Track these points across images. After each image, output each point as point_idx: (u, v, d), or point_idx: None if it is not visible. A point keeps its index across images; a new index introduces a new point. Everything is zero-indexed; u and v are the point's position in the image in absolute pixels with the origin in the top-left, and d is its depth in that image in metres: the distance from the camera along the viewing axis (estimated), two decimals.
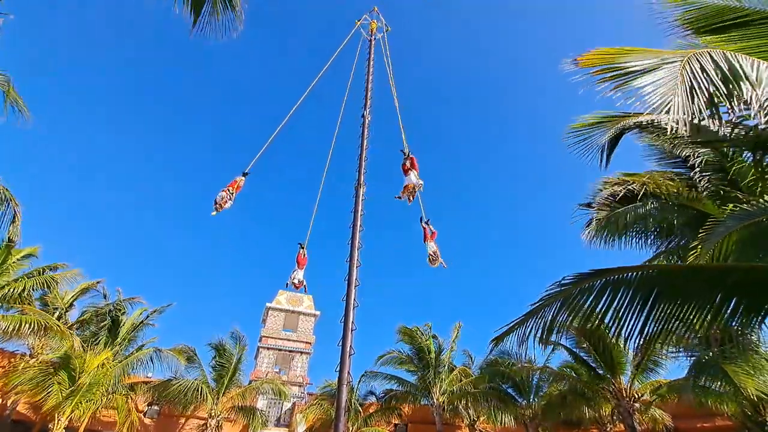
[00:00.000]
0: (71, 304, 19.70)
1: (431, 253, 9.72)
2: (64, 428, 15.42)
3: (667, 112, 2.73)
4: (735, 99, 2.92)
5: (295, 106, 11.96)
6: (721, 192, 6.73)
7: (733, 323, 3.35)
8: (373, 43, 13.15)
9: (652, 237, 8.53)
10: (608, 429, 19.15)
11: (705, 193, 7.00)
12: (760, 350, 13.89)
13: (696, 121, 2.80)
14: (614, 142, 6.26)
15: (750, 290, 3.36)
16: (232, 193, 9.78)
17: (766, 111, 2.98)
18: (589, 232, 9.01)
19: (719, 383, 13.96)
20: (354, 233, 8.48)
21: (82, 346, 16.68)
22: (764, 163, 6.07)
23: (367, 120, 10.84)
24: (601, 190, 8.54)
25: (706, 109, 2.85)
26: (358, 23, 13.75)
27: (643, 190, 7.44)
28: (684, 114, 2.71)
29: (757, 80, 2.90)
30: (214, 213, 9.54)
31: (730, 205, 5.80)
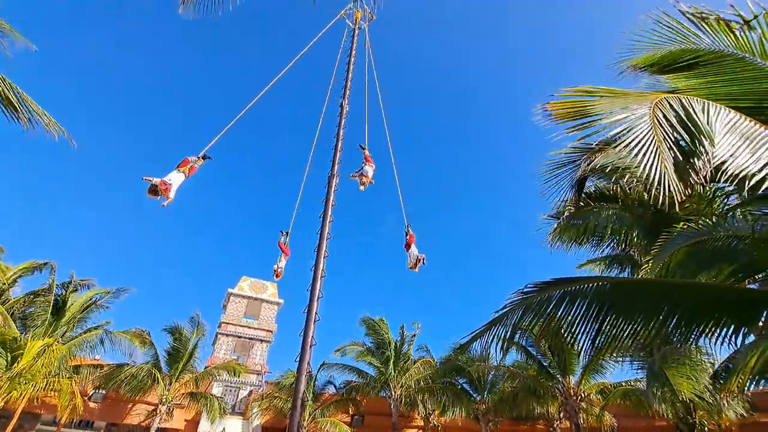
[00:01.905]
0: (14, 281, 18.36)
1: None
2: (0, 410, 14.49)
3: (647, 175, 2.79)
4: (701, 153, 3.06)
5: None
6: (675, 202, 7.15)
7: (676, 337, 3.57)
8: (357, 32, 12.92)
9: (606, 243, 8.99)
10: (555, 425, 20.10)
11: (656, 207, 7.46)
12: (695, 358, 14.96)
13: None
14: (583, 180, 6.77)
15: (691, 306, 3.58)
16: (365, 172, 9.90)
17: (715, 165, 3.12)
18: (552, 238, 9.37)
19: (661, 386, 14.96)
20: (324, 224, 8.35)
21: (24, 324, 15.63)
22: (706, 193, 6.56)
23: (344, 110, 10.66)
24: (566, 209, 8.89)
25: (682, 162, 2.97)
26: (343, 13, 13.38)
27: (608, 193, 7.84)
28: (670, 171, 2.78)
29: (712, 131, 3.06)
30: (362, 188, 10.01)
31: (681, 223, 6.16)
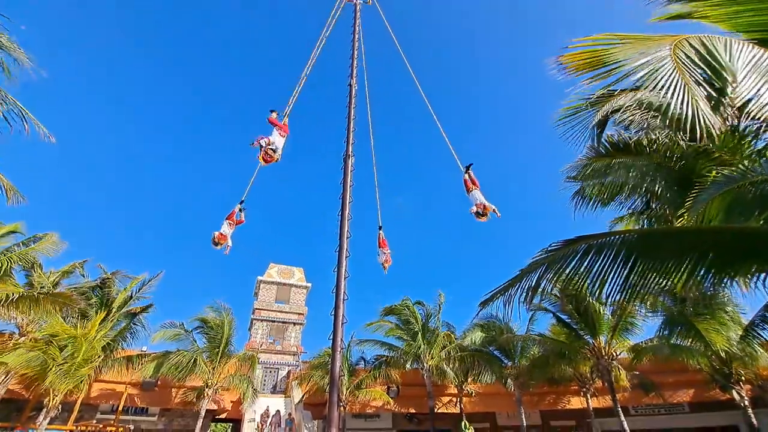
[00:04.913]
0: (57, 283, 19.48)
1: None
2: (60, 403, 15.57)
3: (685, 111, 2.75)
4: (728, 88, 3.01)
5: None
6: (700, 150, 6.86)
7: (707, 282, 3.53)
8: (358, 7, 12.64)
9: (632, 199, 8.68)
10: (588, 386, 20.28)
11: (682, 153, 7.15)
12: (727, 309, 14.75)
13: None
14: (603, 123, 6.44)
15: (724, 250, 3.53)
16: None
17: (743, 101, 3.05)
18: (574, 194, 9.13)
19: (691, 340, 14.87)
20: (343, 205, 8.44)
21: (74, 323, 16.65)
22: (739, 131, 6.22)
23: (353, 89, 10.57)
24: (587, 165, 8.64)
25: (709, 100, 2.92)
26: None
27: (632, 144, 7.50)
28: (692, 107, 2.76)
29: (735, 68, 2.98)
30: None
31: (713, 172, 5.96)
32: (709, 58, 3.02)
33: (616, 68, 3.14)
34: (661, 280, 3.26)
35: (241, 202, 9.70)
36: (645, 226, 8.68)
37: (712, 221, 5.13)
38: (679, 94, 2.85)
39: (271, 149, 8.45)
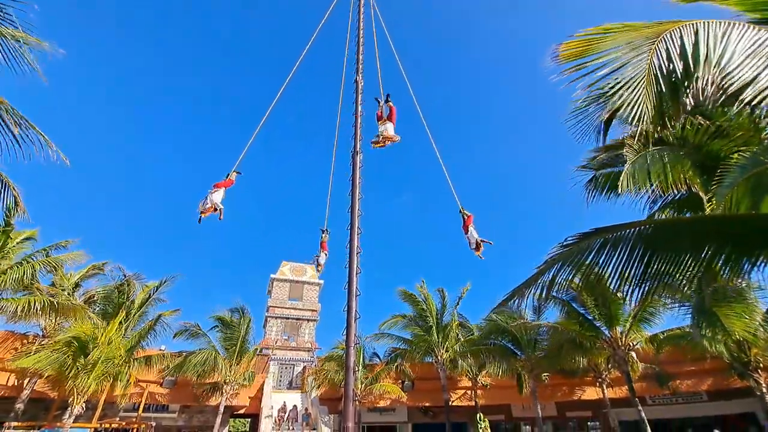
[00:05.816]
0: (78, 284, 19.97)
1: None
2: (84, 401, 16.01)
3: (633, 111, 2.82)
4: (694, 82, 3.00)
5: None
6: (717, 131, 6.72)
7: (727, 270, 3.47)
8: (362, 2, 12.56)
9: (652, 190, 8.52)
10: (604, 376, 20.12)
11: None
12: (748, 296, 14.45)
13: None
14: (610, 119, 6.46)
15: (743, 238, 3.46)
16: None
17: (719, 91, 3.01)
18: (592, 187, 9.04)
19: (711, 327, 14.62)
20: (353, 201, 8.50)
21: (95, 323, 17.07)
22: (754, 114, 6.05)
23: (360, 85, 10.56)
24: (597, 156, 8.53)
25: (670, 100, 2.95)
26: None
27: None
28: (650, 109, 2.79)
29: (718, 54, 2.96)
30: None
31: (736, 154, 5.81)
32: (692, 50, 2.98)
33: (594, 60, 3.14)
34: (680, 271, 3.21)
35: (239, 172, 9.32)
36: (674, 214, 8.52)
37: (741, 206, 5.00)
38: (633, 93, 2.90)
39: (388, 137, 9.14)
